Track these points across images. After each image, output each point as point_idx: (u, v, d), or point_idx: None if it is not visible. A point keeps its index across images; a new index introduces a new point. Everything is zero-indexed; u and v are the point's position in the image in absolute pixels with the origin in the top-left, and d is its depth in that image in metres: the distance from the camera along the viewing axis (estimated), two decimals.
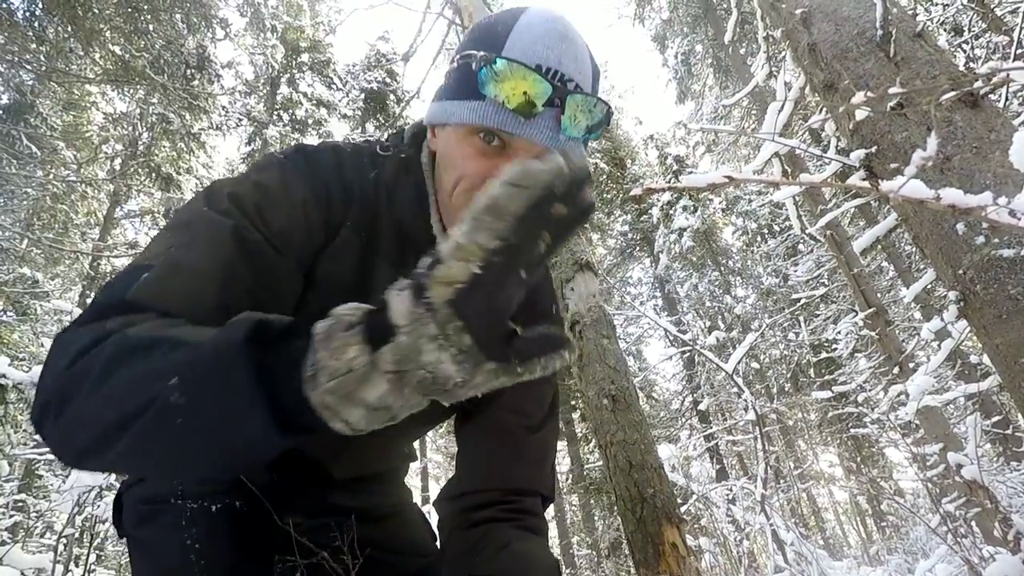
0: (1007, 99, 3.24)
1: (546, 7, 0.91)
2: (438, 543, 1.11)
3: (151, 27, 10.54)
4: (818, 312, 14.46)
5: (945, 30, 7.26)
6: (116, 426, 0.55)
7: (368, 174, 0.98)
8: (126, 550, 0.86)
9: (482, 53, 0.83)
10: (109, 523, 3.86)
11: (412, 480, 24.05)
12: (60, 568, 3.23)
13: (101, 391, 0.56)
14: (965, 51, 7.13)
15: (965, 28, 7.06)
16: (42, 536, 6.71)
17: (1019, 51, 3.82)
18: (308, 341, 0.50)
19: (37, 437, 4.96)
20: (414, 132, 1.02)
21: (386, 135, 1.05)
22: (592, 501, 19.38)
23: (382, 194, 0.97)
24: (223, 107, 15.27)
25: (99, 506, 3.52)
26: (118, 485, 0.84)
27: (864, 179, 2.73)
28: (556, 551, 22.36)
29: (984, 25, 6.64)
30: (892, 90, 1.65)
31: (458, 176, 0.89)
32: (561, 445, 22.73)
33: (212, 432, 0.53)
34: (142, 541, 0.80)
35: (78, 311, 4.02)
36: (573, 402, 19.44)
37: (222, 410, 0.52)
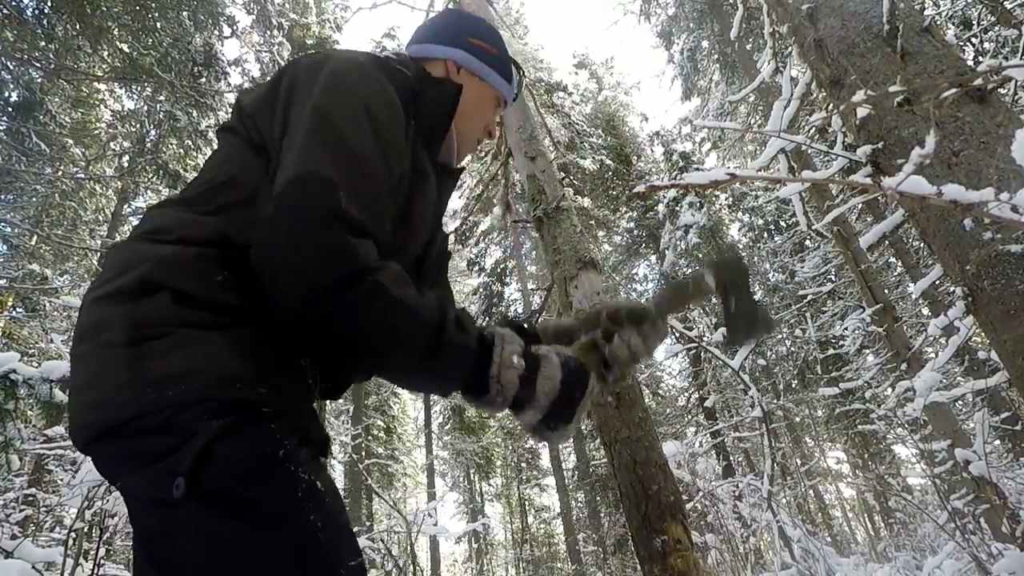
0: (1015, 93, 3.22)
1: None
2: None
3: (159, 25, 10.57)
4: (825, 308, 14.41)
5: (953, 24, 7.21)
6: (385, 332, 0.85)
7: (407, 88, 1.12)
8: (169, 518, 0.74)
9: (513, 65, 1.31)
10: (119, 518, 3.89)
11: (418, 477, 24.13)
12: (70, 562, 3.26)
13: (390, 311, 0.84)
14: (974, 45, 7.07)
15: (974, 22, 7.00)
16: (52, 530, 6.78)
17: None
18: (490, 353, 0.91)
19: (48, 432, 4.99)
20: (419, 65, 1.19)
21: (382, 52, 1.20)
22: (597, 498, 19.39)
23: (410, 109, 1.10)
24: (230, 105, 15.31)
25: (108, 500, 3.55)
26: (200, 438, 0.74)
27: (869, 175, 2.71)
28: (562, 548, 22.37)
29: (993, 19, 6.59)
30: (893, 88, 1.64)
31: (486, 127, 1.29)
32: (567, 442, 22.74)
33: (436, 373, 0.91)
34: (270, 481, 0.76)
35: None
36: None
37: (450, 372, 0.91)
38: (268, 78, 1.14)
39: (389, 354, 0.88)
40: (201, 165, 1.20)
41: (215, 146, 1.06)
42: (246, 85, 17.94)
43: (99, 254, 13.41)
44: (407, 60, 1.19)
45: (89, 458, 0.88)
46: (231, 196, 0.94)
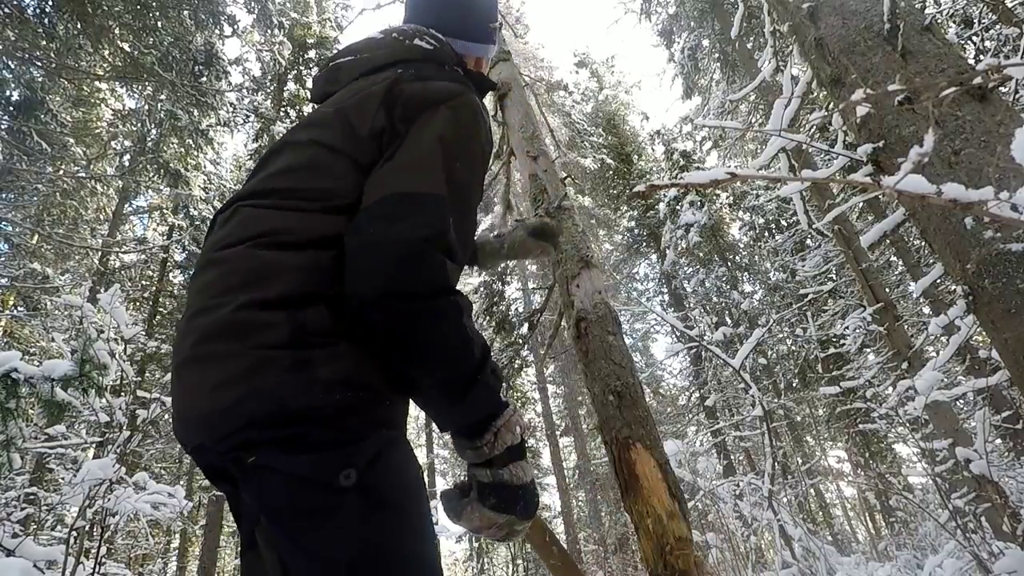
0: (1016, 92, 3.21)
1: None
2: None
3: (160, 24, 10.57)
4: (826, 307, 14.37)
5: (954, 22, 7.19)
6: (449, 343, 0.94)
7: None
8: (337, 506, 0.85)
9: (493, 26, 1.47)
10: (119, 516, 3.89)
11: None
12: (71, 560, 3.27)
13: (457, 333, 0.94)
14: (975, 44, 7.06)
15: (975, 20, 6.99)
16: (53, 529, 6.78)
17: None
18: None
19: (49, 431, 4.99)
20: (464, 66, 1.34)
21: (426, 43, 1.29)
22: (599, 497, 19.41)
23: None
24: (231, 104, 15.25)
25: (109, 499, 3.56)
26: (372, 443, 0.89)
27: (870, 174, 2.71)
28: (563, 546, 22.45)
29: (994, 17, 6.58)
30: (893, 87, 1.64)
31: None
32: (568, 441, 22.73)
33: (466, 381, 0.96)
34: (406, 480, 0.92)
35: (88, 306, 4.06)
36: (580, 398, 19.43)
37: (482, 389, 0.97)
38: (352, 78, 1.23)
39: (433, 372, 0.95)
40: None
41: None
42: (247, 84, 17.95)
43: (100, 253, 13.42)
44: (457, 60, 1.32)
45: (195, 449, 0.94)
46: (337, 202, 1.00)
